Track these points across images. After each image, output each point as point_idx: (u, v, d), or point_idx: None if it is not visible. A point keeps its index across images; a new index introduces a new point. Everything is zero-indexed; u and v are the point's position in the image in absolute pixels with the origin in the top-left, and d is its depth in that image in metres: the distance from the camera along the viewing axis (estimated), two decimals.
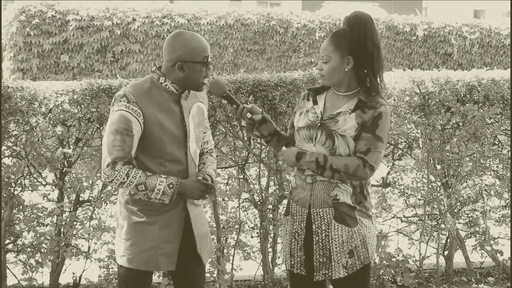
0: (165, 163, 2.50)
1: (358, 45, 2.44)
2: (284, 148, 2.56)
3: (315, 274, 2.52)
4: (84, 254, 3.99)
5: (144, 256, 2.53)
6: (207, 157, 2.73)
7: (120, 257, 2.58)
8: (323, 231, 2.50)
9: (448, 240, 4.41)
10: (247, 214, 4.20)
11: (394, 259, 4.24)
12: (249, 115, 2.54)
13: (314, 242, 2.52)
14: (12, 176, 3.84)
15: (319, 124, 2.52)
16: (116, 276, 3.96)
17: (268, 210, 4.08)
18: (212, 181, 2.58)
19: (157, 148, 2.49)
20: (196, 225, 2.60)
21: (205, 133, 2.73)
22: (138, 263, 2.54)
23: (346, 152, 2.47)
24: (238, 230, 4.12)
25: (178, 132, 2.52)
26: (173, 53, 2.47)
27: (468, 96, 4.21)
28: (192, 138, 2.56)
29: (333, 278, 2.50)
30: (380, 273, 4.22)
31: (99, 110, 3.77)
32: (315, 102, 2.59)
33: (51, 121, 3.80)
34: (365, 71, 2.49)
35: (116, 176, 2.40)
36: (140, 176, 2.41)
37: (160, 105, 2.49)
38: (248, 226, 4.20)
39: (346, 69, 2.48)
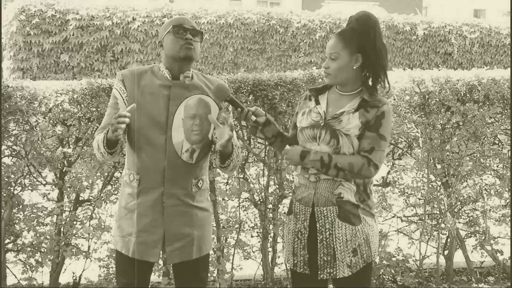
0: (143, 146, 2.51)
1: (369, 43, 2.45)
2: (287, 147, 2.56)
3: (319, 272, 2.53)
4: (84, 253, 3.99)
5: (125, 241, 2.58)
6: None
7: (114, 237, 2.69)
8: (327, 230, 2.50)
9: (448, 240, 4.41)
10: (247, 213, 4.20)
11: (394, 259, 4.24)
12: (253, 117, 2.54)
13: (318, 241, 2.52)
14: (12, 176, 3.83)
15: (322, 123, 2.52)
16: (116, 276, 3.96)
17: (268, 210, 4.08)
18: (232, 146, 2.52)
19: (136, 128, 2.53)
20: (170, 220, 2.55)
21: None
22: (120, 246, 2.61)
23: (350, 151, 2.47)
24: (238, 229, 4.12)
25: (159, 117, 2.52)
26: (159, 36, 2.65)
27: (468, 95, 4.21)
28: (177, 128, 2.53)
29: (338, 277, 2.50)
30: (380, 273, 4.22)
31: (99, 109, 3.76)
32: (317, 102, 2.59)
33: (51, 121, 3.80)
34: (369, 70, 2.49)
35: (93, 144, 2.58)
36: (100, 136, 2.52)
37: (145, 87, 2.55)
38: (248, 226, 4.20)
39: (354, 67, 2.48)
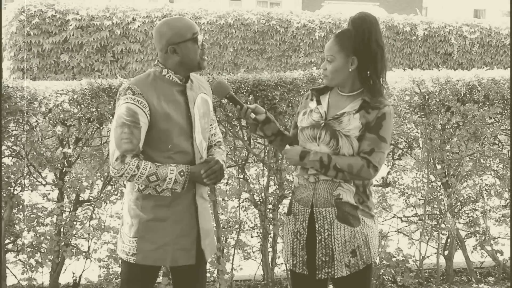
0: (173, 155, 2.50)
1: (363, 45, 2.43)
2: (287, 146, 2.56)
3: (317, 272, 2.53)
4: (84, 254, 3.99)
5: (160, 252, 2.52)
6: (215, 149, 2.72)
7: (130, 255, 2.54)
8: (326, 230, 2.50)
9: (448, 240, 4.40)
10: (247, 214, 4.20)
11: (394, 259, 4.23)
12: (253, 115, 2.54)
13: (317, 241, 2.52)
14: (12, 176, 3.83)
15: (323, 124, 2.52)
16: (116, 276, 3.96)
17: (268, 210, 4.08)
18: (222, 166, 2.55)
19: (164, 140, 2.49)
20: (202, 220, 2.60)
21: (211, 125, 2.72)
22: (154, 260, 2.53)
23: (350, 152, 2.47)
24: (238, 230, 4.12)
25: (184, 123, 2.52)
26: (163, 39, 2.50)
27: (468, 95, 4.21)
28: (198, 129, 2.56)
29: (336, 276, 2.50)
30: (380, 273, 4.22)
31: (99, 109, 3.76)
32: (318, 102, 2.59)
33: (51, 121, 3.80)
34: (369, 72, 2.48)
35: (127, 170, 2.40)
36: (150, 167, 2.43)
37: (165, 96, 2.50)
38: (248, 226, 4.20)
39: (350, 70, 2.48)
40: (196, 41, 2.50)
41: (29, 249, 3.95)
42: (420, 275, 4.29)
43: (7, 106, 3.70)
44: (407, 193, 4.38)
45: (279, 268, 4.26)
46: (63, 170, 3.89)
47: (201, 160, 2.57)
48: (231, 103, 2.57)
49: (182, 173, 2.45)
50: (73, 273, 4.09)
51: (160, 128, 2.47)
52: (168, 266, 2.57)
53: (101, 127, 3.89)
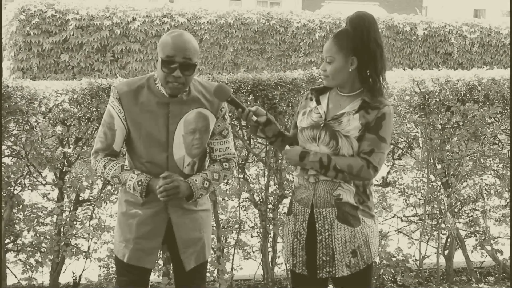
0: (145, 163, 2.52)
1: (361, 45, 2.43)
2: (287, 147, 2.56)
3: (318, 271, 2.53)
4: (84, 253, 3.99)
5: (121, 246, 2.59)
6: (213, 165, 2.64)
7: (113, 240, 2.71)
8: (326, 231, 2.51)
9: (448, 240, 4.40)
10: (247, 213, 4.20)
11: (394, 259, 4.24)
12: (254, 117, 2.53)
13: (318, 241, 2.52)
14: (12, 176, 3.83)
15: (322, 124, 2.51)
16: (115, 276, 3.96)
17: (268, 210, 4.08)
18: (191, 188, 2.49)
19: (136, 148, 2.53)
20: (180, 229, 2.57)
21: (216, 139, 2.64)
22: (117, 251, 2.62)
23: (349, 152, 2.46)
24: (238, 229, 4.12)
25: (159, 135, 2.50)
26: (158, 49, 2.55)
27: (468, 95, 4.21)
28: (177, 145, 2.52)
29: (337, 276, 2.51)
30: (380, 273, 4.22)
31: (99, 109, 3.76)
32: (318, 102, 2.59)
33: (51, 121, 3.80)
34: (368, 71, 2.48)
35: (97, 166, 2.54)
36: (115, 169, 2.49)
37: (143, 105, 2.49)
38: (248, 226, 4.20)
39: (350, 70, 2.47)
40: (166, 63, 2.40)
41: (29, 249, 3.95)
42: (420, 274, 4.29)
43: (7, 106, 3.70)
44: (407, 192, 4.38)
45: (279, 268, 4.26)
46: (63, 170, 3.89)
47: (179, 175, 2.51)
48: (232, 106, 2.55)
49: (140, 183, 2.46)
50: (73, 273, 4.09)
51: (132, 134, 2.51)
52: (126, 262, 2.58)
53: None
